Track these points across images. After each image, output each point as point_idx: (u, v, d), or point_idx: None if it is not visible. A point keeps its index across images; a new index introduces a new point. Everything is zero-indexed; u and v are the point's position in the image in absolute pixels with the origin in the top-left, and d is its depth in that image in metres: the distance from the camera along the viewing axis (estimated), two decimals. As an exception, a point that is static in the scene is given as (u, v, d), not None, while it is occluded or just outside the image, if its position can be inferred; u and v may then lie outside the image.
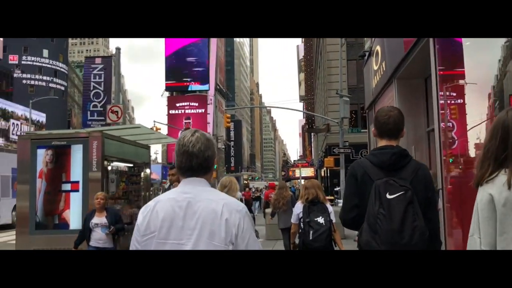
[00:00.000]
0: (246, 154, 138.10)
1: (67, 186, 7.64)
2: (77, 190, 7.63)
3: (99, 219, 6.60)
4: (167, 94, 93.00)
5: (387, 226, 2.50)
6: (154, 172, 74.72)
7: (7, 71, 64.61)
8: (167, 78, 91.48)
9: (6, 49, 66.47)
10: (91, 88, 24.13)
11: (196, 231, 1.92)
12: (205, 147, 2.06)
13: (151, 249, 1.95)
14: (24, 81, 70.03)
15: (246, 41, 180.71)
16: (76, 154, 7.67)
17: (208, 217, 1.93)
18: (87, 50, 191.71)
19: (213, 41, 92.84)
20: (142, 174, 9.88)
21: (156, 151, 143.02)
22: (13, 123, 52.29)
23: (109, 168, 8.46)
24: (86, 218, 6.72)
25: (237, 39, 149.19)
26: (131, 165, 9.63)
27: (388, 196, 2.54)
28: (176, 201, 1.99)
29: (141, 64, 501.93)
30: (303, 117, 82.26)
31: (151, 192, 12.32)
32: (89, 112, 23.41)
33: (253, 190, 39.42)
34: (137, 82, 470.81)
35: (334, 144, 26.97)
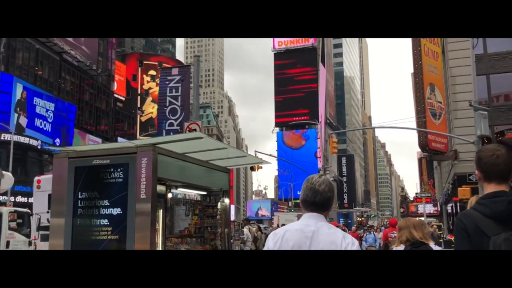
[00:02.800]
0: (360, 190, 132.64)
1: (106, 221, 5.72)
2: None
3: None
4: (277, 129, 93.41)
5: None
6: (264, 208, 73.85)
7: (129, 112, 69.16)
8: (276, 115, 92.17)
9: (130, 93, 71.53)
10: (167, 104, 22.83)
11: None
12: (328, 189, 2.51)
13: None
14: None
15: (356, 74, 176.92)
16: (121, 176, 5.77)
17: (330, 247, 2.33)
18: (204, 93, 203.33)
19: (322, 75, 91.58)
20: (219, 205, 7.72)
21: (266, 187, 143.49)
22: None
23: (170, 195, 6.42)
24: None
25: (347, 73, 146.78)
26: (204, 192, 7.54)
27: None
28: (303, 232, 2.43)
29: (253, 103, 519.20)
30: (418, 147, 75.98)
31: (235, 228, 10.18)
32: (164, 132, 22.16)
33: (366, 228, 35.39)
34: (250, 121, 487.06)
35: (465, 173, 22.74)
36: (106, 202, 5.74)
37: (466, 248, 2.23)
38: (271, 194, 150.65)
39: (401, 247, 4.76)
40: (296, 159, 67.26)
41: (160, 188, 6.11)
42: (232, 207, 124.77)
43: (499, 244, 2.12)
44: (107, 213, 5.70)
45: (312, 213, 2.45)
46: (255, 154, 26.91)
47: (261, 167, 27.17)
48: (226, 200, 7.74)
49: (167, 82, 22.56)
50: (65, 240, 5.80)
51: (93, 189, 5.82)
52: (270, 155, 36.49)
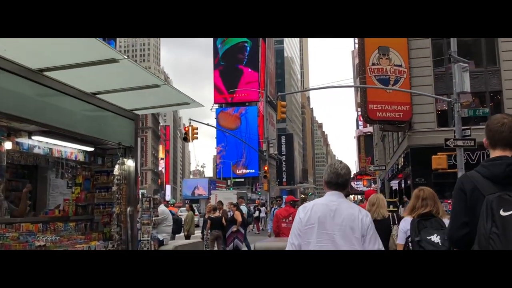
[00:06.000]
0: (298, 169, 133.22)
1: None
2: None
3: None
4: (216, 106, 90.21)
5: (502, 248, 2.08)
6: (201, 187, 70.76)
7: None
8: (215, 92, 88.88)
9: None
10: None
11: (342, 226, 2.99)
12: (347, 172, 3.19)
13: (311, 235, 3.01)
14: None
15: (296, 54, 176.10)
16: None
17: (349, 218, 3.02)
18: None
19: (262, 51, 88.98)
20: (117, 169, 4.71)
21: (204, 165, 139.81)
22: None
23: (8, 146, 3.44)
24: None
25: (287, 53, 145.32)
26: (90, 148, 4.54)
27: (502, 213, 2.14)
28: (328, 206, 3.08)
29: (190, 81, 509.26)
30: (357, 126, 76.02)
31: (143, 207, 7.36)
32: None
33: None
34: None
35: (421, 145, 21.02)
36: None
37: (462, 207, 2.36)
38: (209, 173, 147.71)
39: (409, 219, 4.37)
40: (234, 139, 64.54)
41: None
42: (168, 187, 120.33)
43: (491, 200, 2.18)
44: None
45: (335, 191, 3.15)
46: (190, 123, 23.43)
47: (197, 138, 23.77)
48: (130, 163, 4.76)
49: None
50: None
51: None
52: (208, 124, 33.32)
